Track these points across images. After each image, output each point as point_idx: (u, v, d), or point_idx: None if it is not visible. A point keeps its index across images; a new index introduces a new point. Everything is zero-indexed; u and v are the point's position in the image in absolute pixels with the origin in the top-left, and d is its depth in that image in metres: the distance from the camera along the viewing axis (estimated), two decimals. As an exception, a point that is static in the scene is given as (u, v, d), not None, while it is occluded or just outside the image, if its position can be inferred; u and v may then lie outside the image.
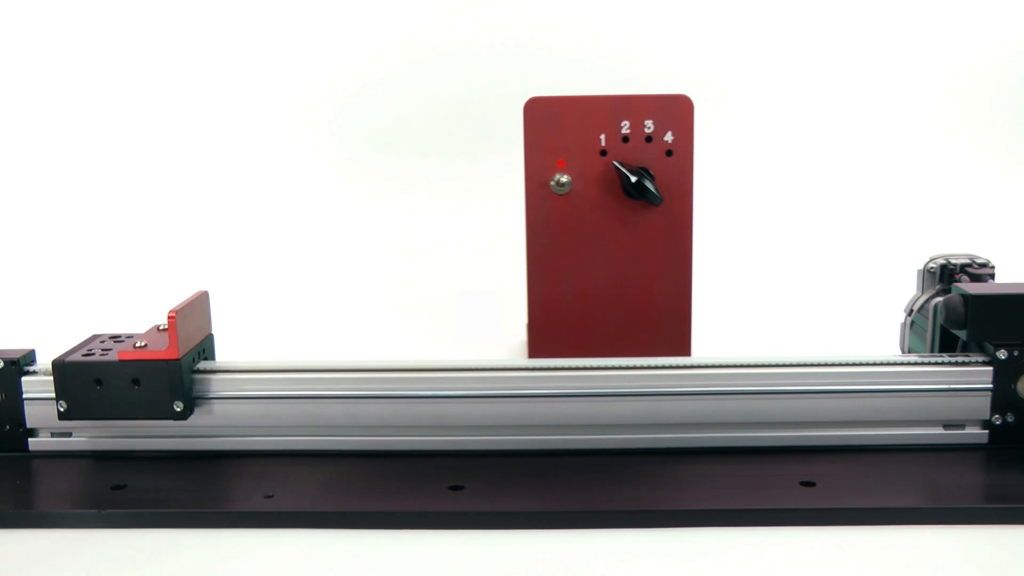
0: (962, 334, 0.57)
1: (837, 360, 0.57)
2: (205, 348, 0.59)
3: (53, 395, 0.57)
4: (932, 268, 0.64)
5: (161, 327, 0.59)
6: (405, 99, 1.16)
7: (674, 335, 0.68)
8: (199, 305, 0.59)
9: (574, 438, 0.57)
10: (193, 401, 0.56)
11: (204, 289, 0.60)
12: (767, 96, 1.16)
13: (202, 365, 0.58)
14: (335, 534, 0.49)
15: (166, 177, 1.15)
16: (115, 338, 0.59)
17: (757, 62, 1.16)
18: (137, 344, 0.55)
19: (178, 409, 0.55)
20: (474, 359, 0.59)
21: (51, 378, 0.57)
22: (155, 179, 1.15)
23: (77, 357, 0.55)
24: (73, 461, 0.57)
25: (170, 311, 0.54)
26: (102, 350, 0.56)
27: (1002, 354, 0.55)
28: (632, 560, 0.46)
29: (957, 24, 1.16)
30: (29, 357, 0.58)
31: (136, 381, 0.54)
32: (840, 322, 0.84)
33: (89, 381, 0.54)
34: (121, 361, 0.54)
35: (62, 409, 0.55)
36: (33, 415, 0.58)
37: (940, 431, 0.57)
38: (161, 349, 0.55)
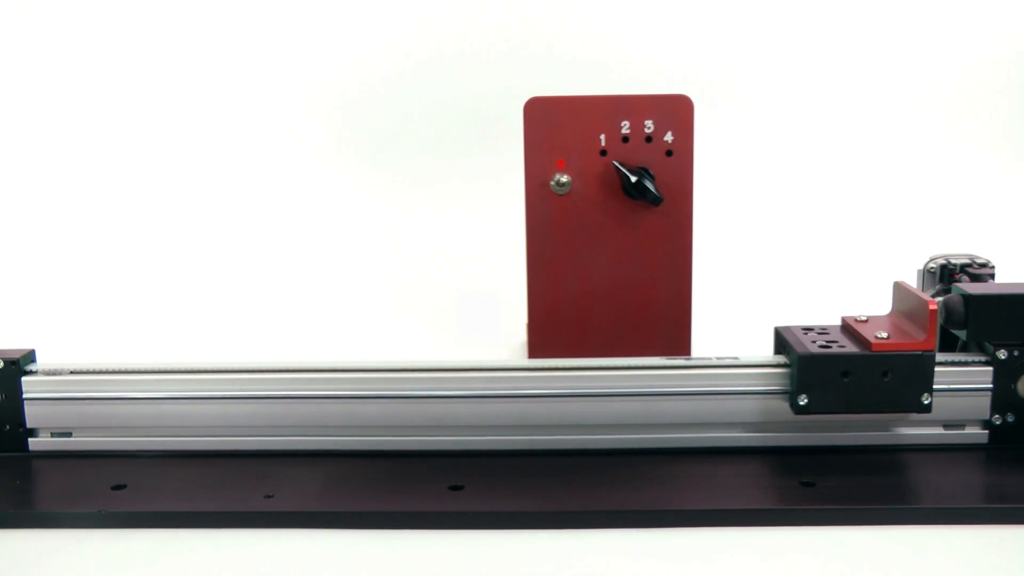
0: (962, 334, 0.57)
1: (837, 360, 0.57)
2: None
3: (53, 395, 0.57)
4: (932, 268, 0.64)
5: (860, 318, 0.57)
6: (405, 99, 1.16)
7: (674, 335, 0.68)
8: None
9: (574, 438, 0.57)
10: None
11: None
12: (767, 96, 1.16)
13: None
14: (335, 534, 0.49)
15: (166, 176, 1.15)
16: (810, 329, 0.57)
17: (757, 62, 1.16)
18: (878, 335, 0.54)
19: (926, 402, 0.53)
20: (474, 359, 0.59)
21: (51, 378, 0.57)
22: (155, 179, 1.15)
23: (816, 349, 0.54)
24: (73, 461, 0.57)
25: (931, 301, 0.53)
26: (827, 342, 0.55)
27: (1002, 354, 0.55)
28: (632, 560, 0.46)
29: (957, 24, 1.16)
30: (29, 357, 0.59)
31: (885, 373, 0.53)
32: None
33: (836, 374, 0.53)
34: (871, 353, 0.53)
35: (803, 403, 0.54)
36: (33, 415, 0.58)
37: (940, 431, 0.57)
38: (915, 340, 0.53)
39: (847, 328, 0.57)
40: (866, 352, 0.53)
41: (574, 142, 0.65)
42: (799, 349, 0.54)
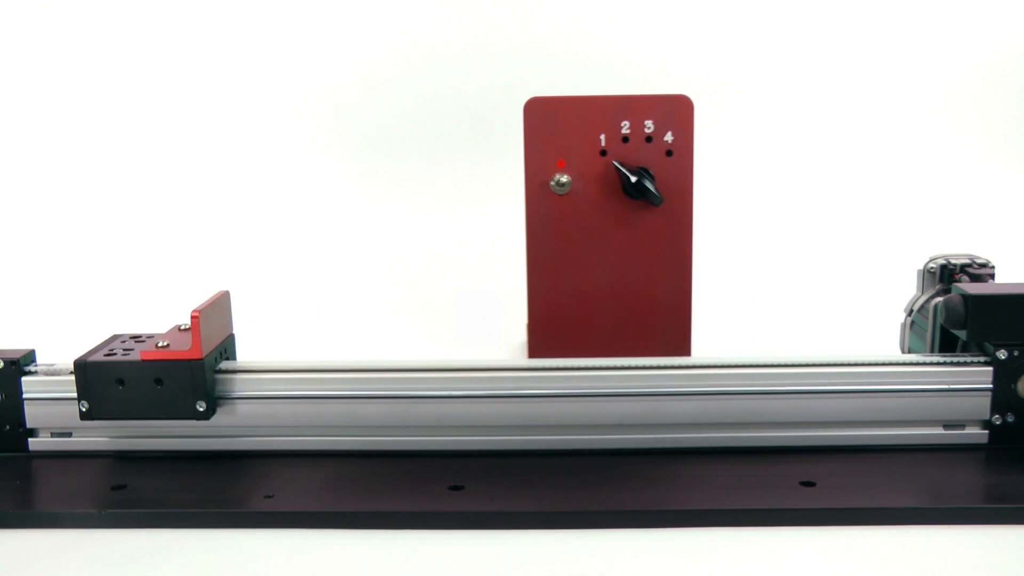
0: (962, 334, 0.57)
1: (837, 360, 0.57)
2: (227, 348, 0.59)
3: (53, 395, 0.57)
4: (932, 268, 0.64)
5: (183, 327, 0.58)
6: (405, 99, 1.16)
7: (674, 335, 0.68)
8: (221, 305, 0.59)
9: (574, 438, 0.57)
10: (216, 401, 0.56)
11: (225, 289, 0.60)
12: (767, 96, 1.16)
13: (224, 365, 0.58)
14: (335, 534, 0.49)
15: (168, 178, 1.15)
16: (136, 338, 0.58)
17: (757, 62, 1.16)
18: (159, 344, 0.55)
19: (201, 409, 0.55)
20: (474, 359, 0.59)
21: (51, 378, 0.57)
22: (157, 180, 1.15)
23: (99, 357, 0.55)
24: (73, 461, 0.57)
25: (193, 310, 0.54)
26: (123, 350, 0.56)
27: (1002, 354, 0.55)
28: (632, 560, 0.46)
29: (958, 24, 1.16)
30: (29, 357, 0.58)
31: (159, 381, 0.54)
32: (840, 322, 0.84)
33: (111, 381, 0.54)
34: (144, 361, 0.54)
35: (84, 409, 0.55)
36: (33, 415, 0.58)
37: (940, 431, 0.57)
38: (184, 349, 0.54)
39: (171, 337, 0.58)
40: (135, 360, 0.54)
41: (574, 142, 0.65)
42: (84, 358, 0.55)
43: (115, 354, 0.55)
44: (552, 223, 0.67)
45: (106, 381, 0.54)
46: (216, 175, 1.15)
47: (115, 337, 0.59)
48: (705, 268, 0.73)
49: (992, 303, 0.56)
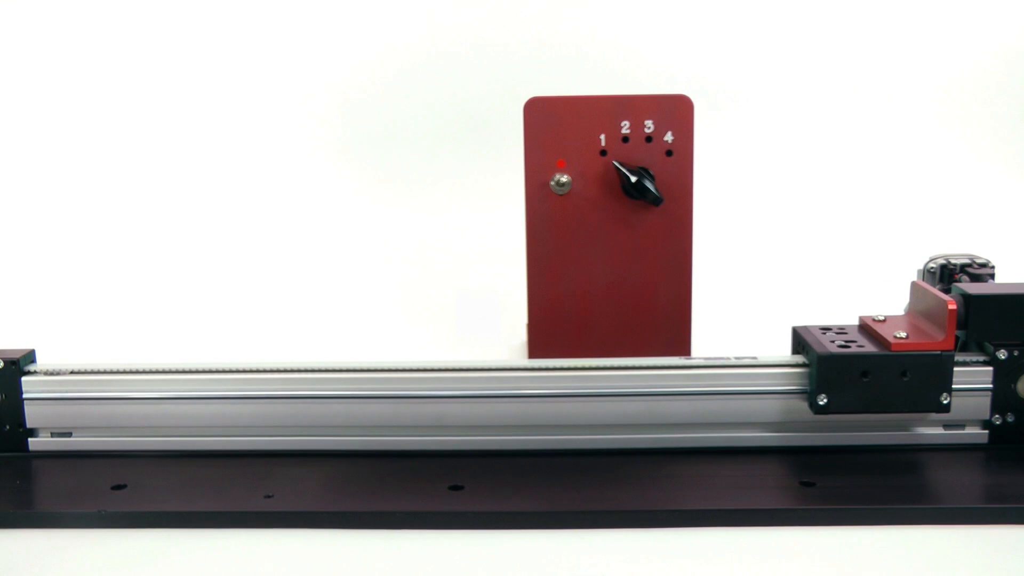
0: (962, 334, 0.57)
1: (837, 360, 0.57)
2: None
3: (53, 395, 0.57)
4: (932, 268, 0.64)
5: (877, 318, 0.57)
6: (405, 99, 1.16)
7: (674, 335, 0.68)
8: None
9: (574, 438, 0.57)
10: None
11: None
12: (767, 96, 1.16)
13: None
14: (335, 534, 0.49)
15: (166, 177, 1.15)
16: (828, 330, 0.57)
17: (756, 62, 1.16)
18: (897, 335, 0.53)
19: (945, 402, 0.53)
20: (474, 359, 0.59)
21: (51, 378, 0.57)
22: (155, 179, 1.15)
23: (835, 348, 0.54)
24: (73, 461, 0.57)
25: (950, 301, 0.53)
26: (844, 342, 0.55)
27: (1002, 354, 0.55)
28: (632, 560, 0.46)
29: (957, 24, 1.16)
30: (29, 357, 0.58)
31: (904, 373, 0.53)
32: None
33: (856, 374, 0.53)
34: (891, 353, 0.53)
35: (822, 403, 0.54)
36: (33, 415, 0.58)
37: (940, 431, 0.56)
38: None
39: (865, 328, 0.57)
40: (885, 352, 0.53)
41: (574, 142, 0.65)
42: (818, 349, 0.54)
43: (850, 346, 0.54)
44: (552, 223, 0.67)
45: (851, 374, 0.53)
46: (217, 175, 1.15)
47: (807, 328, 0.58)
48: (705, 268, 0.73)
49: (992, 303, 0.56)
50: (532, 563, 0.46)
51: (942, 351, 0.53)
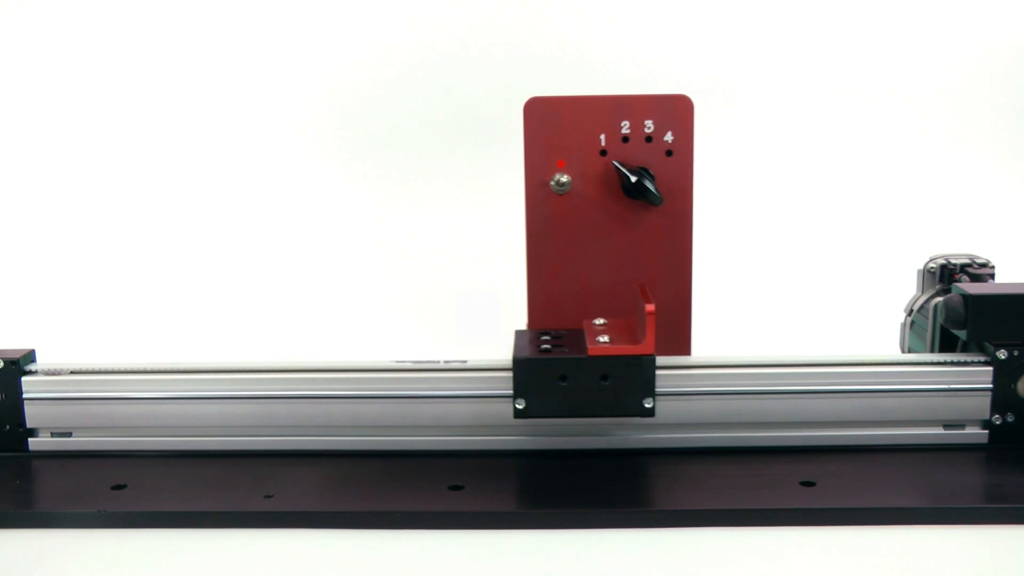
0: (962, 334, 0.57)
1: (837, 360, 0.57)
2: None
3: (53, 395, 0.57)
4: (932, 268, 0.64)
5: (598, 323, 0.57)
6: (405, 98, 1.16)
7: (674, 335, 0.68)
8: None
9: (574, 438, 0.57)
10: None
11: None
12: (767, 96, 1.16)
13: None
14: (335, 534, 0.49)
15: (165, 177, 1.15)
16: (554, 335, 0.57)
17: (757, 62, 1.16)
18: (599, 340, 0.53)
19: (648, 406, 0.53)
20: (474, 359, 0.59)
21: (51, 378, 0.57)
22: (155, 179, 1.15)
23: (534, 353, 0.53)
24: (73, 461, 0.57)
25: (649, 307, 0.52)
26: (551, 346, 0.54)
27: (1002, 354, 0.55)
28: (632, 560, 0.46)
29: (957, 24, 1.16)
30: (29, 357, 0.59)
31: (605, 377, 0.52)
32: (840, 322, 0.84)
33: (553, 378, 0.53)
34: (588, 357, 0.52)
35: (519, 407, 0.53)
36: (33, 415, 0.58)
37: (940, 431, 0.57)
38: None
39: (586, 331, 0.56)
40: (580, 356, 0.53)
41: (574, 142, 0.65)
42: (518, 353, 0.53)
43: (553, 350, 0.54)
44: (552, 223, 0.67)
45: (547, 377, 0.52)
46: (216, 175, 1.15)
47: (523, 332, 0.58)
48: (705, 268, 0.73)
49: (992, 303, 0.56)
50: (532, 563, 0.46)
51: (643, 355, 0.52)
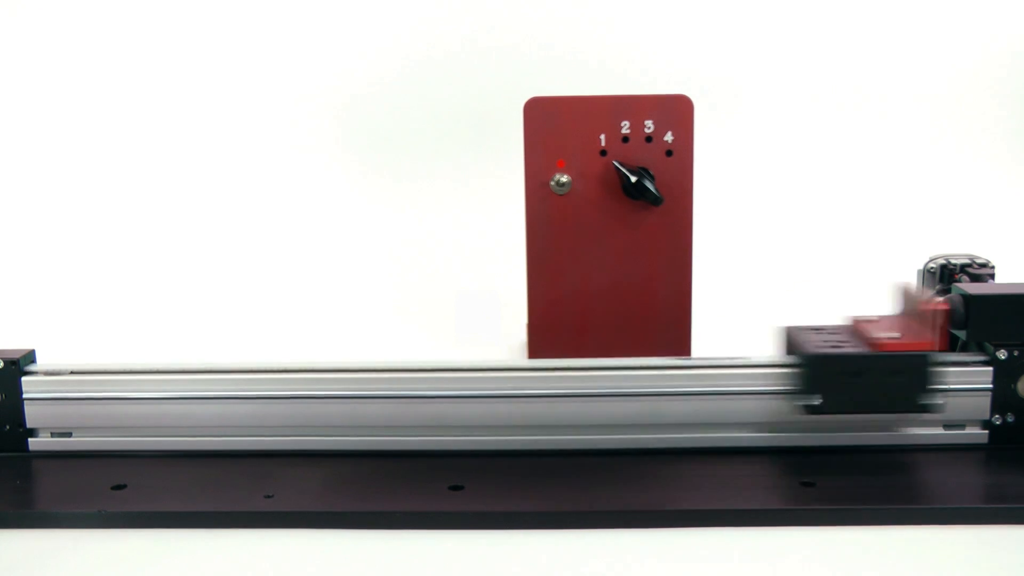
0: (962, 334, 0.57)
1: (837, 360, 0.57)
2: None
3: (53, 395, 0.57)
4: (932, 268, 0.64)
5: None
6: (405, 99, 1.16)
7: (674, 335, 0.68)
8: None
9: (574, 438, 0.57)
10: None
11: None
12: (767, 96, 1.16)
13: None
14: (335, 534, 0.49)
15: (166, 177, 1.15)
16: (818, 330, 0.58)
17: (757, 62, 1.16)
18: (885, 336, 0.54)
19: (936, 402, 0.53)
20: (474, 359, 0.59)
21: (51, 378, 0.57)
22: (155, 179, 1.15)
23: (827, 349, 0.54)
24: (73, 461, 0.57)
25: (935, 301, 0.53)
26: (836, 343, 0.55)
27: (1002, 354, 0.55)
28: (632, 560, 0.46)
29: (957, 23, 1.16)
30: (29, 357, 0.59)
31: (894, 373, 0.53)
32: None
33: (846, 374, 0.53)
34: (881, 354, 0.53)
35: (815, 403, 0.54)
36: (33, 415, 0.58)
37: (940, 431, 0.56)
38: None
39: (857, 328, 0.57)
40: (875, 352, 0.53)
41: (574, 142, 0.65)
42: (809, 350, 0.54)
43: (841, 346, 0.54)
44: (552, 223, 0.67)
45: (841, 373, 0.53)
46: (216, 175, 1.15)
47: (798, 329, 0.58)
48: (705, 268, 0.73)
49: (992, 303, 0.56)
50: (532, 563, 0.46)
51: (928, 351, 0.54)
